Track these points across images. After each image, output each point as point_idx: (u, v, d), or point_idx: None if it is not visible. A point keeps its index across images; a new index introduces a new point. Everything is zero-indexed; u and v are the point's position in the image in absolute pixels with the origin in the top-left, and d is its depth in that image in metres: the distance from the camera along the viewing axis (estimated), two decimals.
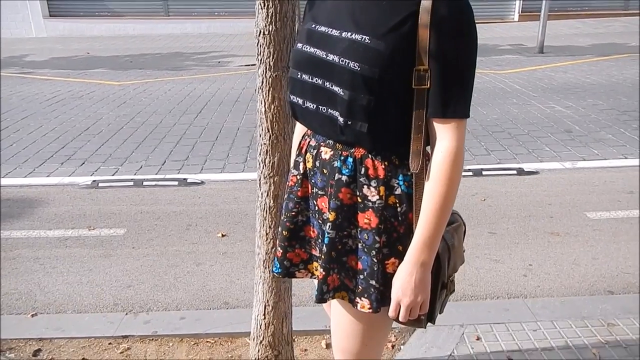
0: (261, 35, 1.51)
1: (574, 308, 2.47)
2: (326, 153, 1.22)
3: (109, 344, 2.33)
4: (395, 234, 1.19)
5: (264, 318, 1.85)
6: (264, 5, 1.51)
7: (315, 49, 1.18)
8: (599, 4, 14.92)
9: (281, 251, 1.35)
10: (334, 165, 1.20)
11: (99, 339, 2.35)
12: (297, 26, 1.55)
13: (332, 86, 1.15)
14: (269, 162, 1.64)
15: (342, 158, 1.19)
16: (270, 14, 1.50)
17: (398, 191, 1.18)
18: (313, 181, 1.27)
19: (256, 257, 1.81)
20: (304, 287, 2.73)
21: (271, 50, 1.51)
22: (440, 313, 1.27)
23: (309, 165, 1.27)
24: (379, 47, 1.09)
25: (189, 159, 4.72)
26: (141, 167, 4.59)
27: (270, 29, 1.49)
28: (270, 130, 1.59)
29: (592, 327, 2.33)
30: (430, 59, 1.08)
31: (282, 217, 1.35)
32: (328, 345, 2.30)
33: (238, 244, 3.21)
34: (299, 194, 1.30)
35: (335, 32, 1.16)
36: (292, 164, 1.36)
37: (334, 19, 1.18)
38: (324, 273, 1.23)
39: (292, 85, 1.26)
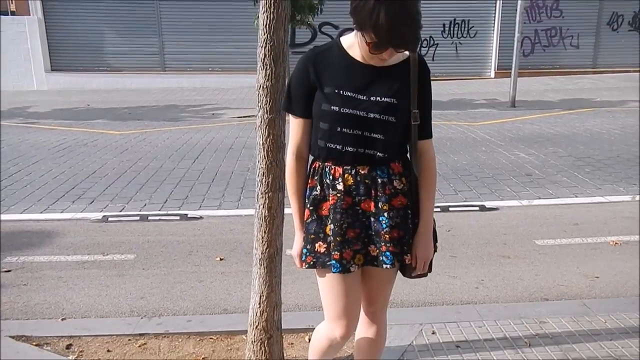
0: (261, 88, 2.11)
1: (514, 310, 3.00)
2: (363, 169, 1.77)
3: (129, 340, 2.80)
4: (414, 209, 1.83)
5: (259, 306, 2.35)
6: (263, 68, 2.11)
7: (354, 110, 1.71)
8: (569, 62, 16.07)
9: (338, 254, 1.78)
10: (373, 175, 1.77)
11: (120, 337, 2.82)
12: (287, 80, 2.13)
13: (371, 134, 1.73)
14: (265, 182, 2.20)
15: (379, 168, 1.78)
16: (268, 74, 2.10)
17: (409, 180, 1.82)
18: (355, 192, 1.77)
19: (254, 258, 2.34)
20: (291, 295, 3.24)
21: (268, 99, 2.11)
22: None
23: (350, 182, 1.77)
24: (400, 104, 1.73)
25: (188, 198, 5.27)
26: (145, 204, 5.11)
27: (268, 84, 2.10)
28: (266, 157, 2.17)
29: (526, 324, 2.85)
30: (419, 104, 1.76)
31: (333, 227, 1.78)
32: (310, 340, 2.78)
33: (234, 266, 3.72)
34: (344, 206, 1.78)
35: (362, 97, 1.71)
36: (320, 191, 1.81)
37: (358, 86, 1.71)
38: (392, 246, 1.79)
39: (329, 136, 1.75)
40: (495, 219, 4.62)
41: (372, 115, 1.71)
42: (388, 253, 1.79)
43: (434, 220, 1.90)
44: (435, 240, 1.91)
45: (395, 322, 2.86)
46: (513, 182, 5.66)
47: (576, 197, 5.19)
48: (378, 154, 1.75)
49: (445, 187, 5.51)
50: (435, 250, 1.92)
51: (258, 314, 2.37)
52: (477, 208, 4.87)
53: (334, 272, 1.81)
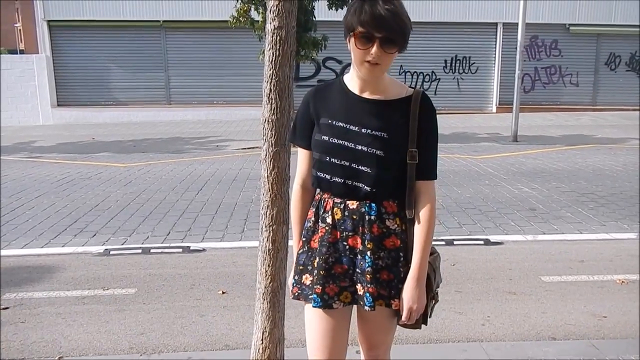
0: (266, 122, 2.12)
1: (522, 350, 2.93)
2: (352, 204, 1.73)
3: None
4: (407, 251, 1.75)
5: (262, 342, 2.31)
6: (269, 102, 2.13)
7: (343, 141, 1.70)
8: (569, 100, 16.25)
9: (320, 288, 1.74)
10: (362, 211, 1.72)
11: None
12: (291, 114, 2.15)
13: (358, 166, 1.70)
14: (269, 214, 2.19)
15: (368, 205, 1.72)
16: (273, 108, 2.12)
17: (405, 221, 1.75)
18: (343, 227, 1.74)
19: (257, 292, 2.30)
20: (294, 330, 3.18)
21: (273, 132, 2.12)
22: (429, 317, 1.84)
23: (338, 216, 1.74)
24: (392, 139, 1.69)
25: (191, 230, 5.24)
26: (148, 237, 5.08)
27: (273, 118, 2.11)
28: (270, 190, 2.16)
29: None
30: (419, 143, 1.70)
31: (318, 260, 1.75)
32: None
33: (237, 299, 3.67)
34: (330, 240, 1.75)
35: (354, 128, 1.70)
36: (314, 223, 1.80)
37: (351, 117, 1.71)
38: (373, 287, 1.71)
39: (319, 166, 1.76)
40: (500, 253, 4.57)
41: (359, 147, 1.69)
42: (368, 294, 1.72)
43: (434, 268, 1.81)
44: (430, 290, 1.79)
45: None
46: (517, 217, 5.63)
47: (581, 233, 5.15)
48: (365, 187, 1.70)
49: (450, 220, 5.47)
50: (436, 301, 1.84)
51: (260, 351, 2.32)
52: (482, 242, 4.82)
53: (313, 307, 1.76)
